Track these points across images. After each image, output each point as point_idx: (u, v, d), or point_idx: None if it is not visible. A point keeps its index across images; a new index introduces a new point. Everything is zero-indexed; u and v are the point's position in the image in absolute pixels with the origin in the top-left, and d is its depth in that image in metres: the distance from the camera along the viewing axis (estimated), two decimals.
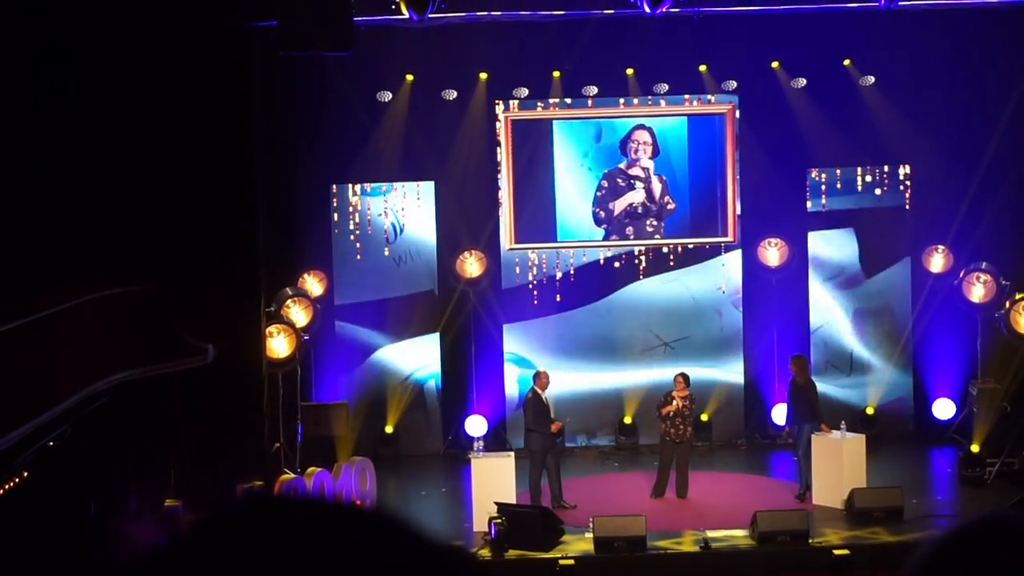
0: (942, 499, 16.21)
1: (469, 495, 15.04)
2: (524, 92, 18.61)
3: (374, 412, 18.51)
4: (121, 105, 14.12)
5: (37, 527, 12.58)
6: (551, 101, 18.65)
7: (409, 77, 18.41)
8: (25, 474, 13.70)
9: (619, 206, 18.78)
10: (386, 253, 18.75)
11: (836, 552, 13.57)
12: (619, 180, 18.75)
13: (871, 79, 18.50)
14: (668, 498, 15.71)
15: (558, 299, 18.78)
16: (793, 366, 16.02)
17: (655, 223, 18.76)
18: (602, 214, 18.75)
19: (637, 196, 18.77)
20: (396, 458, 18.32)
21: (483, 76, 18.49)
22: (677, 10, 16.35)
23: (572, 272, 18.81)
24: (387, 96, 18.46)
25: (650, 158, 18.70)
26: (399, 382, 18.64)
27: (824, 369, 18.47)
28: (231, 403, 15.30)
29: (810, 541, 13.76)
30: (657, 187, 18.72)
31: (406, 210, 18.77)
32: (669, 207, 18.75)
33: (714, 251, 18.83)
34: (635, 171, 18.73)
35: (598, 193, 18.75)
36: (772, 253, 18.69)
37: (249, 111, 15.50)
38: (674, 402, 15.73)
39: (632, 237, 18.79)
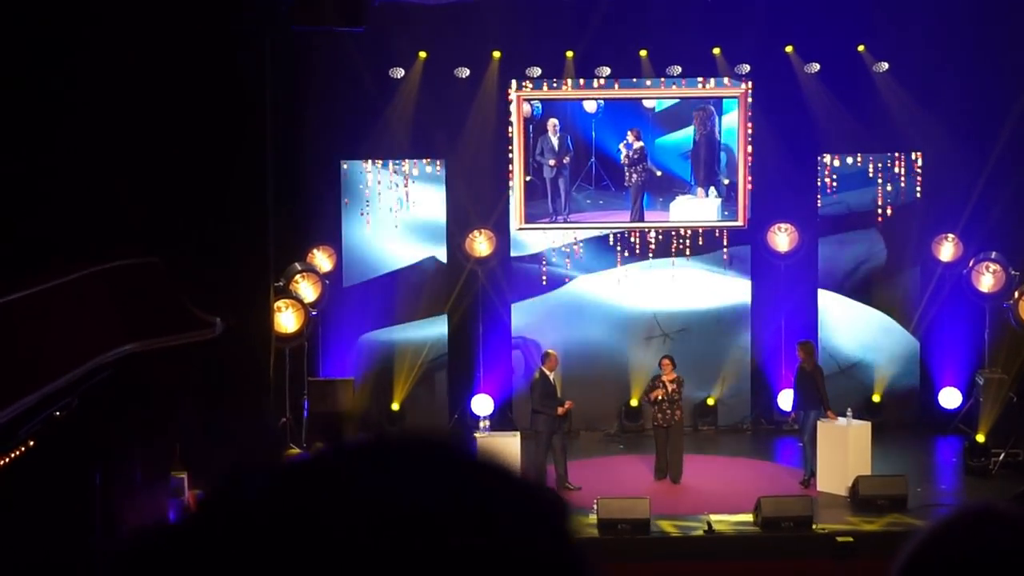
0: (946, 488, 16.20)
1: None
2: (537, 71, 18.54)
3: (381, 389, 18.51)
4: (131, 79, 14.10)
5: (41, 497, 12.61)
6: (564, 81, 18.59)
7: (422, 54, 18.36)
8: (31, 443, 13.73)
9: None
10: (395, 229, 18.72)
11: (839, 539, 13.56)
12: (610, 164, 18.71)
13: (885, 65, 18.41)
14: (671, 482, 15.71)
15: (567, 281, 18.76)
16: (800, 352, 15.99)
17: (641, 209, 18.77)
18: (599, 200, 18.74)
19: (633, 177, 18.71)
20: None
21: (496, 55, 18.43)
22: None
23: (581, 253, 18.79)
24: (399, 73, 18.41)
25: (638, 143, 18.60)
26: (406, 360, 18.62)
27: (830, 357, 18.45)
28: (238, 377, 15.32)
29: (814, 527, 13.76)
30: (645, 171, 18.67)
31: (416, 188, 18.73)
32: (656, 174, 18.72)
33: (722, 239, 18.80)
34: (625, 157, 18.65)
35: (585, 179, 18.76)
36: (782, 238, 18.66)
37: (260, 85, 15.47)
38: (659, 387, 15.72)
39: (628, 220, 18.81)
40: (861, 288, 18.89)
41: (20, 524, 11.98)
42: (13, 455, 13.18)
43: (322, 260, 18.17)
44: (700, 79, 18.65)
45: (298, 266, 17.32)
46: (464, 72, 18.48)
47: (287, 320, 16.42)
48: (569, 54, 18.38)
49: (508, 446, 15.04)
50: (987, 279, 17.54)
